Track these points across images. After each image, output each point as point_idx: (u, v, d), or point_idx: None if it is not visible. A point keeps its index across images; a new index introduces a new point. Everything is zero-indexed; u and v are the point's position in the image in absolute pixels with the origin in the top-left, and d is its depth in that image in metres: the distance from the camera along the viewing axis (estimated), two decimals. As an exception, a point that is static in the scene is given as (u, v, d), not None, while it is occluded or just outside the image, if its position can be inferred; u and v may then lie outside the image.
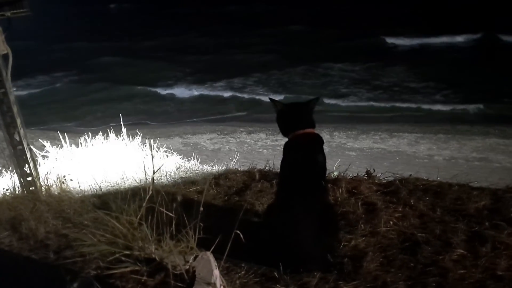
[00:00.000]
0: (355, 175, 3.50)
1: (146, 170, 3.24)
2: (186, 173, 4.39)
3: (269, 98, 2.77)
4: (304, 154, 2.49)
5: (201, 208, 1.89)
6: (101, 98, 19.95)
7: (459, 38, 24.12)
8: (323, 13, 32.19)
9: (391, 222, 2.74)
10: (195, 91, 20.65)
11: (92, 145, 5.63)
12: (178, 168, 4.69)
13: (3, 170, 5.18)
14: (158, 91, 20.86)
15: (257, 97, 18.99)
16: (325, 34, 27.04)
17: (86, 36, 31.28)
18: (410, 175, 3.43)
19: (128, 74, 23.00)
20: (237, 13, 36.08)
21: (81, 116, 17.79)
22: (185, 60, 24.91)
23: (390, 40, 25.32)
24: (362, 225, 2.71)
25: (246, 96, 19.60)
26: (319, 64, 22.31)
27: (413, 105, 16.54)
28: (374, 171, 3.50)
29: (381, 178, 3.45)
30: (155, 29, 33.04)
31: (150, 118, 17.57)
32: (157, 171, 2.32)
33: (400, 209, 2.90)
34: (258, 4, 36.86)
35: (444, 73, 19.17)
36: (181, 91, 20.78)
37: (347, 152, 11.94)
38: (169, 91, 20.91)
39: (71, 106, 19.11)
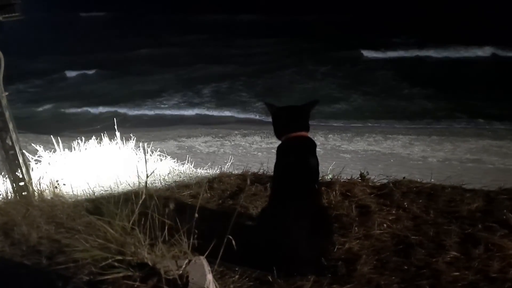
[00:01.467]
0: (349, 177, 3.51)
1: (139, 174, 3.23)
2: (180, 177, 4.38)
3: (264, 102, 2.80)
4: (296, 157, 2.50)
5: (196, 215, 1.88)
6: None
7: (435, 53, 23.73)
8: (305, 24, 31.61)
9: (385, 225, 2.74)
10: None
11: (86, 149, 5.61)
12: (170, 172, 4.68)
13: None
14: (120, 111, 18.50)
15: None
16: (306, 47, 26.25)
17: (54, 48, 29.39)
18: (404, 177, 3.45)
19: (96, 90, 21.40)
20: (218, 23, 34.79)
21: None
22: (157, 74, 23.21)
23: (367, 53, 24.65)
24: (355, 228, 2.71)
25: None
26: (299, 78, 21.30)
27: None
28: (368, 174, 3.51)
29: (375, 180, 3.46)
30: (131, 39, 31.24)
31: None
32: (150, 175, 2.31)
33: (393, 211, 2.91)
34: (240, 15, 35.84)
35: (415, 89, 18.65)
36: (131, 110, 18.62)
37: (342, 155, 11.96)
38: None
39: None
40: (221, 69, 23.38)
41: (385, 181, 3.41)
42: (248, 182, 3.61)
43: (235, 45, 28.10)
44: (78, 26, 38.87)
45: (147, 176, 2.24)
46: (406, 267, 2.32)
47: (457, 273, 2.23)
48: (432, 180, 3.39)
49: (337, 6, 33.99)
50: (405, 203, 3.00)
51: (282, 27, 31.32)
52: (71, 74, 24.68)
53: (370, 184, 3.40)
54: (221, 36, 30.47)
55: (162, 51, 27.87)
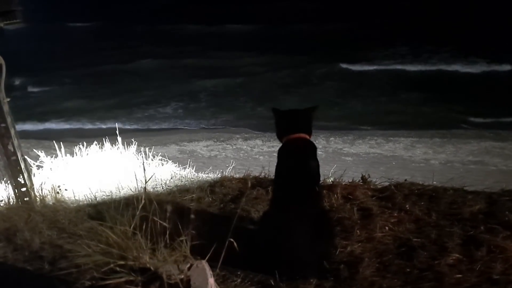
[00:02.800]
0: (350, 180, 3.51)
1: (140, 179, 3.22)
2: (182, 181, 4.38)
3: (272, 109, 2.80)
4: (296, 159, 2.51)
5: (192, 216, 1.89)
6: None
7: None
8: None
9: (387, 227, 2.74)
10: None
11: (87, 154, 5.61)
12: (172, 177, 4.68)
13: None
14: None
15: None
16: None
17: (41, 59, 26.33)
18: (405, 180, 3.44)
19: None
20: (198, 33, 33.01)
21: None
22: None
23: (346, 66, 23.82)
24: (357, 231, 2.71)
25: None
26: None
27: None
28: (369, 176, 3.51)
29: (376, 183, 3.46)
30: (120, 50, 29.67)
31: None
32: (149, 179, 2.31)
33: (395, 214, 2.90)
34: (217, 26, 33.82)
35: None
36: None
37: (343, 157, 11.96)
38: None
39: None
40: (214, 82, 22.68)
41: (387, 183, 3.41)
42: (250, 185, 3.62)
43: (220, 56, 27.08)
44: (64, 36, 36.36)
45: (146, 182, 2.25)
46: (408, 270, 2.31)
47: (459, 275, 2.22)
48: (434, 182, 3.38)
49: (328, 15, 33.31)
50: (407, 206, 3.00)
51: (272, 37, 30.53)
52: (57, 87, 23.17)
53: (371, 186, 3.39)
54: (196, 48, 29.25)
55: (153, 63, 26.93)
